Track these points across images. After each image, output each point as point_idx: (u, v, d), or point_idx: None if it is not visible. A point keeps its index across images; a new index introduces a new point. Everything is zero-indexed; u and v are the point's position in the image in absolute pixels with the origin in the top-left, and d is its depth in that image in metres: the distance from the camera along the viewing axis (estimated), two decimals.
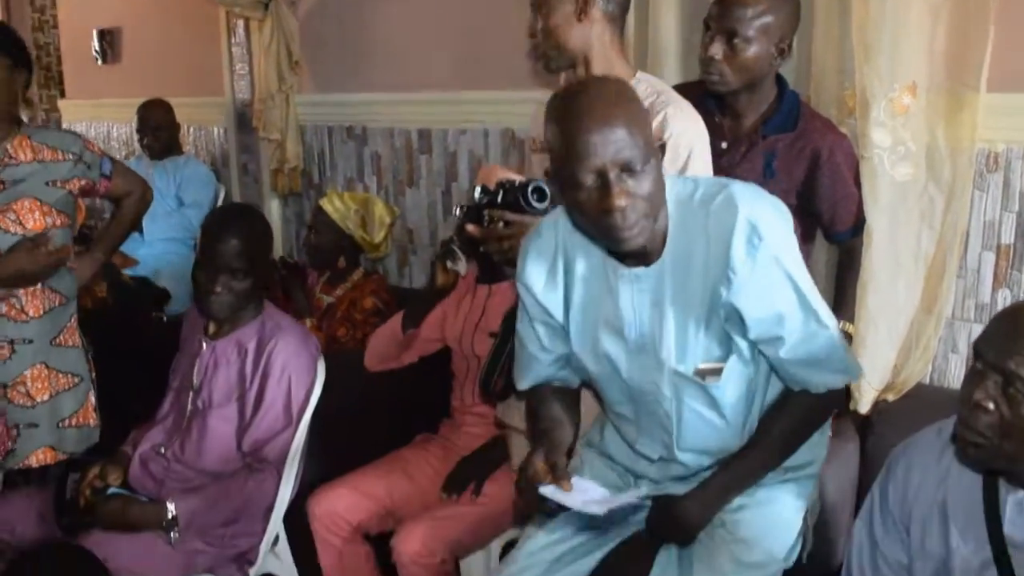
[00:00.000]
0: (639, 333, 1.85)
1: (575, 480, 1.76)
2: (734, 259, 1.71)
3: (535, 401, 2.06)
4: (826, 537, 2.20)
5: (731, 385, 1.85)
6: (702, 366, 1.83)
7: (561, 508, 1.75)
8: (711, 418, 1.88)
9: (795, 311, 1.76)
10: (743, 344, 1.81)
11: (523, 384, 2.09)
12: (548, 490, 1.74)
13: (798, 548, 1.97)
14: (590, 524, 1.96)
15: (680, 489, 1.94)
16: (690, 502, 1.91)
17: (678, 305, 1.80)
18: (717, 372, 1.82)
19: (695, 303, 1.79)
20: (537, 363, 2.04)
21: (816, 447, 2.00)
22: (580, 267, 1.90)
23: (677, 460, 1.95)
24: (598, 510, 1.72)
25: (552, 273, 1.93)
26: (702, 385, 1.84)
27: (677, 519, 1.91)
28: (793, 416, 1.89)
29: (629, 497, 1.76)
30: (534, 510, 1.78)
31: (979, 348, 1.53)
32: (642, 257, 1.80)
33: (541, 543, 2.03)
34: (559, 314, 1.95)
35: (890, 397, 2.43)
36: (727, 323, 1.78)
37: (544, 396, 2.05)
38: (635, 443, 2.01)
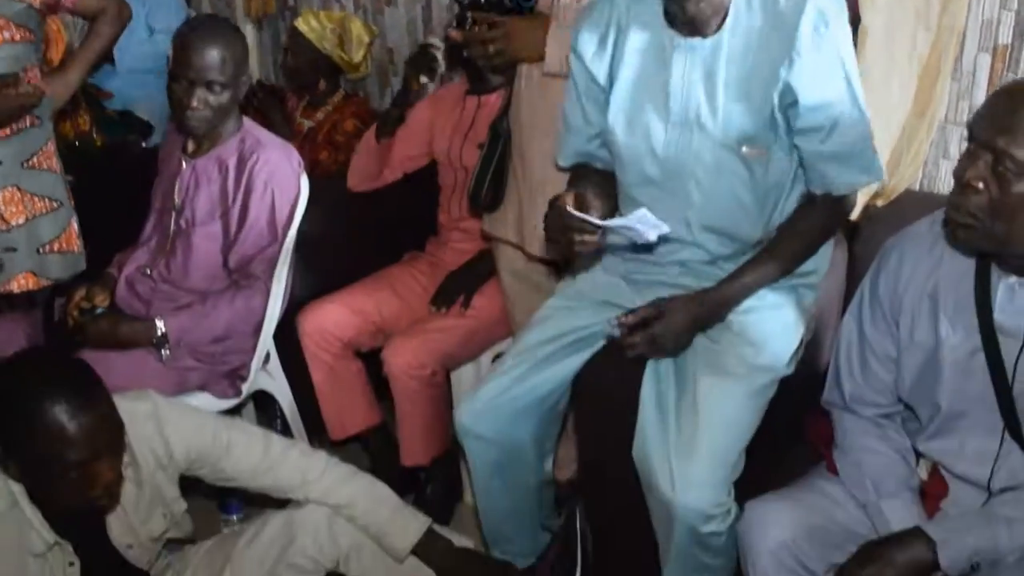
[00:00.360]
0: (684, 106, 1.88)
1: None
2: (800, 42, 1.78)
3: (575, 177, 2.11)
4: (812, 343, 2.22)
5: (772, 166, 1.89)
6: (744, 149, 1.87)
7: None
8: (743, 197, 1.92)
9: (844, 103, 1.82)
10: (785, 137, 1.87)
11: (563, 161, 2.13)
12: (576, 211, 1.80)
13: (798, 356, 2.00)
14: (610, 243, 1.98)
15: (688, 282, 1.96)
16: (710, 293, 1.93)
17: (731, 80, 1.85)
18: (758, 156, 1.88)
19: (751, 81, 1.83)
20: (578, 137, 2.08)
21: (821, 256, 2.04)
22: (635, 39, 1.93)
23: (695, 242, 1.97)
24: (622, 223, 1.80)
25: (603, 43, 1.96)
26: (746, 159, 1.88)
27: (705, 305, 1.92)
28: (813, 221, 1.96)
29: (659, 225, 1.79)
30: (558, 242, 1.84)
31: (972, 127, 1.52)
32: (700, 28, 1.83)
33: (533, 341, 2.06)
34: (603, 81, 1.98)
35: (879, 203, 2.41)
36: (778, 107, 1.83)
37: (584, 173, 2.09)
38: None
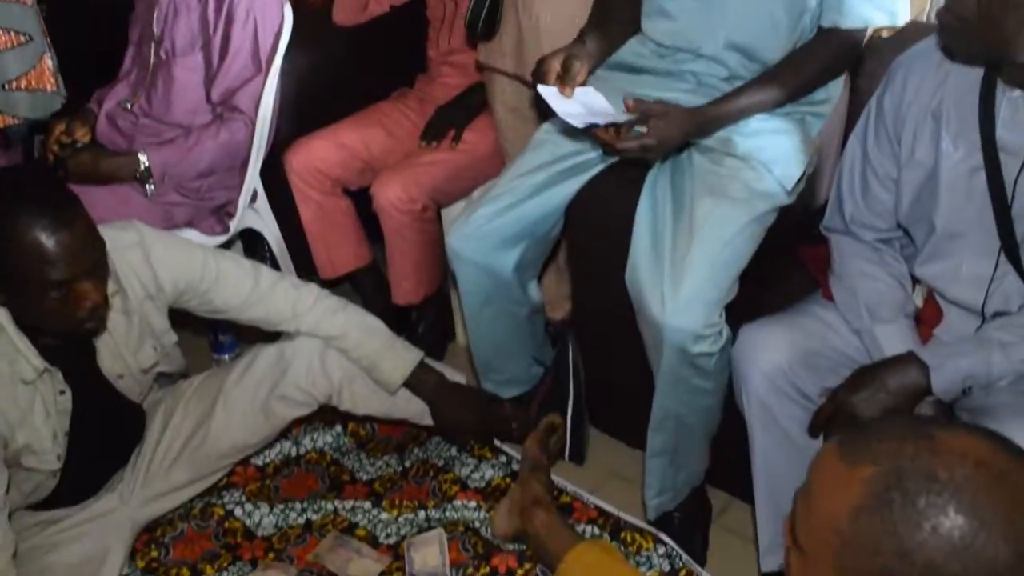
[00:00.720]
0: None
1: (581, 90, 1.81)
2: None
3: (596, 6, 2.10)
4: (812, 177, 2.19)
5: None
6: None
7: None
8: (778, 15, 1.89)
9: None
10: None
11: None
12: (545, 90, 1.82)
13: (800, 188, 1.96)
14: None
15: (697, 102, 1.91)
16: (704, 110, 1.88)
17: None
18: None
19: None
20: None
21: (834, 86, 2.00)
22: None
23: (717, 57, 1.94)
24: (577, 122, 1.81)
25: None
26: None
27: (698, 120, 1.88)
28: (820, 55, 1.92)
29: (618, 117, 1.79)
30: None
31: None
32: None
33: (527, 166, 2.02)
34: None
35: (884, 33, 2.34)
36: None
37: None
38: (668, 43, 1.99)
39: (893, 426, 0.89)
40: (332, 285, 2.78)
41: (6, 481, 1.78)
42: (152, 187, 2.34)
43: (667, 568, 1.96)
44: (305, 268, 2.75)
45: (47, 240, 1.61)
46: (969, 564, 0.81)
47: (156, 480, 2.08)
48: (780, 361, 1.70)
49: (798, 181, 1.93)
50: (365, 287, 2.78)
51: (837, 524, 0.87)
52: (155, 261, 1.91)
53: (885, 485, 0.84)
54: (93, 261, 1.70)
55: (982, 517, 0.81)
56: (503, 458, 2.27)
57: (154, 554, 2.08)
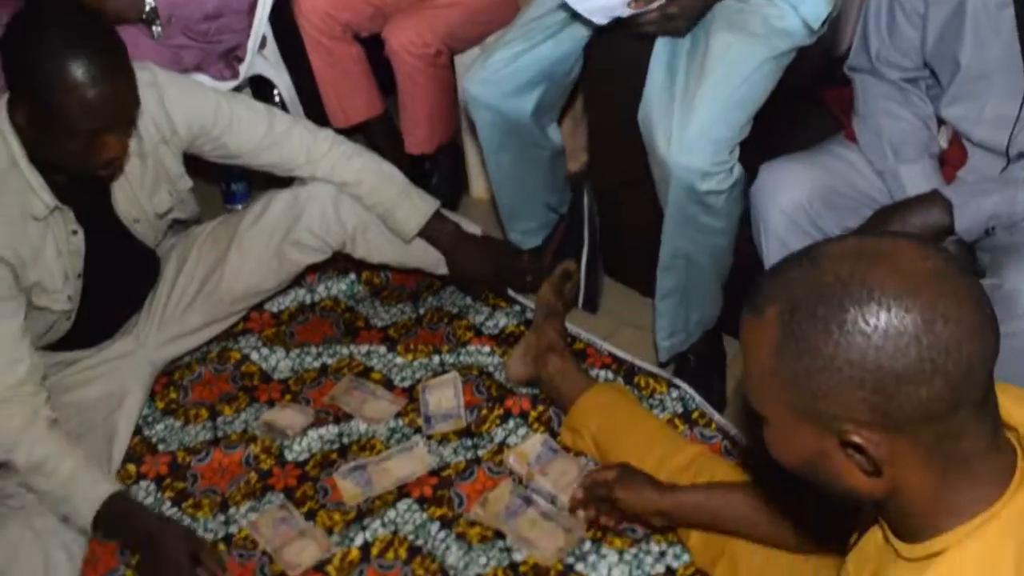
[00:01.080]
0: None
1: None
2: None
3: None
4: (833, 22, 2.13)
5: None
6: None
7: None
8: None
9: None
10: None
11: None
12: None
13: (822, 30, 1.90)
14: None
15: None
16: None
17: None
18: None
19: None
20: None
21: None
22: None
23: None
24: (600, 19, 1.80)
25: None
26: None
27: None
28: None
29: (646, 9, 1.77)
30: None
31: None
32: None
33: (541, 9, 1.97)
34: None
35: None
36: None
37: None
38: None
39: (779, 265, 0.92)
40: (344, 135, 2.74)
41: (24, 306, 1.79)
42: (159, 29, 2.28)
43: (680, 411, 1.97)
44: (316, 118, 2.68)
45: (90, 91, 1.58)
46: (886, 347, 0.83)
47: (171, 323, 2.09)
48: (801, 199, 1.68)
49: (822, 23, 1.87)
50: (377, 138, 2.73)
51: (770, 370, 0.90)
52: (169, 103, 1.88)
53: (789, 313, 0.87)
54: (127, 118, 1.68)
55: (876, 298, 0.84)
56: (517, 307, 2.27)
57: (173, 395, 2.11)
